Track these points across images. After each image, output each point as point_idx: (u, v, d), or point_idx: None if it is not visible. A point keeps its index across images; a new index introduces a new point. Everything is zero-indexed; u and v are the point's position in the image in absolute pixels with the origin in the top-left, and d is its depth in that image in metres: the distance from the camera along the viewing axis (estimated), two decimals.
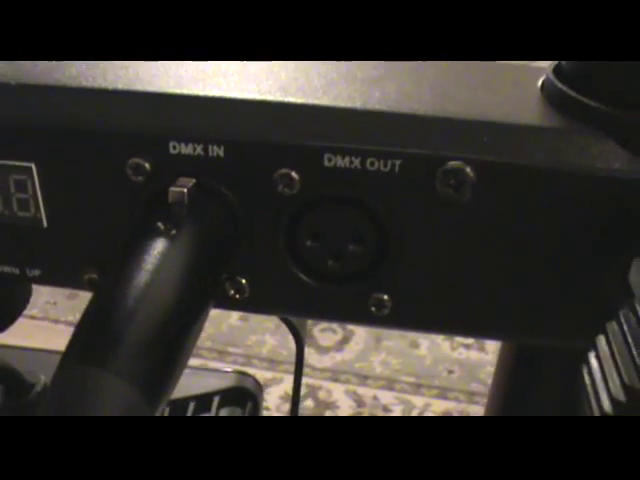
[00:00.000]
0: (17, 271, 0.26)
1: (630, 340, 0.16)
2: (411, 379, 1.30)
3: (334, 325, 1.43)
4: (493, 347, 1.33)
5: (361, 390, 1.27)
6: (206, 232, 0.21)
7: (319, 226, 0.22)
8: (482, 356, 1.33)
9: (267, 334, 1.31)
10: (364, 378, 1.30)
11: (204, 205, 0.21)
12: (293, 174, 0.21)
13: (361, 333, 1.35)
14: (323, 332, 1.40)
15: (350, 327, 1.42)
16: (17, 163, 0.23)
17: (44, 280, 0.26)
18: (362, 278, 0.22)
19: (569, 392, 0.26)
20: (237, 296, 0.23)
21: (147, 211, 0.22)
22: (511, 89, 0.23)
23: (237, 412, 0.35)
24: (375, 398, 1.26)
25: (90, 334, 0.18)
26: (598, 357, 0.17)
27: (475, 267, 0.22)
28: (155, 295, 0.18)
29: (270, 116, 0.21)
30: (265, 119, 0.21)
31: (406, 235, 0.21)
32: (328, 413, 1.21)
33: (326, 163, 0.20)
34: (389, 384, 1.29)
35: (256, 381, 0.38)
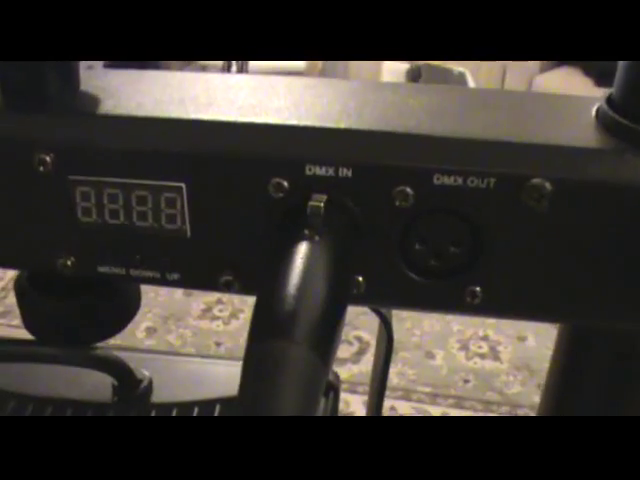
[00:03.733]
0: (158, 275, 0.30)
1: None
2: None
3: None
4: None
5: None
6: (338, 238, 0.26)
7: (427, 232, 0.27)
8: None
9: None
10: None
11: (335, 216, 0.26)
12: (408, 190, 0.26)
13: None
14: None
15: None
16: (170, 183, 0.28)
17: (181, 283, 0.30)
18: (460, 273, 0.27)
19: (619, 375, 0.32)
20: (354, 291, 0.28)
21: (285, 221, 0.27)
22: (572, 117, 0.28)
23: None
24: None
25: (268, 317, 0.23)
26: None
27: (550, 263, 0.27)
28: (313, 283, 0.23)
29: (391, 144, 0.26)
30: (386, 146, 0.26)
31: (496, 238, 0.26)
32: None
33: (435, 181, 0.25)
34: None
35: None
